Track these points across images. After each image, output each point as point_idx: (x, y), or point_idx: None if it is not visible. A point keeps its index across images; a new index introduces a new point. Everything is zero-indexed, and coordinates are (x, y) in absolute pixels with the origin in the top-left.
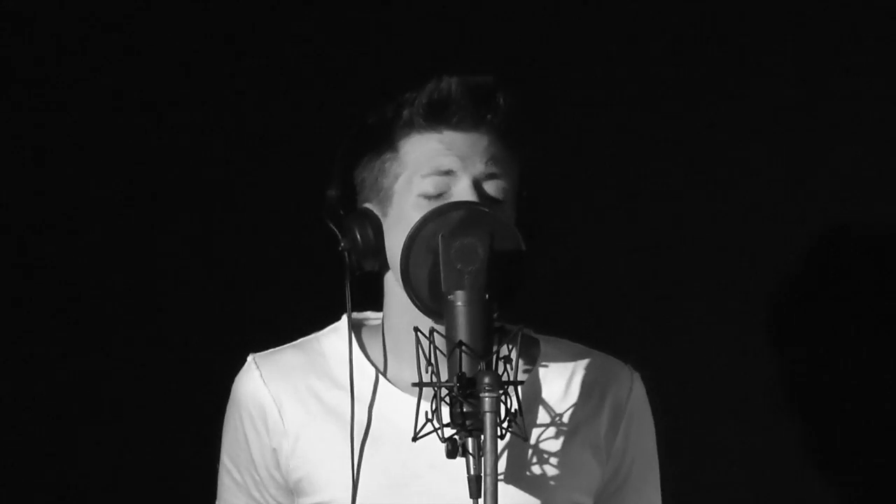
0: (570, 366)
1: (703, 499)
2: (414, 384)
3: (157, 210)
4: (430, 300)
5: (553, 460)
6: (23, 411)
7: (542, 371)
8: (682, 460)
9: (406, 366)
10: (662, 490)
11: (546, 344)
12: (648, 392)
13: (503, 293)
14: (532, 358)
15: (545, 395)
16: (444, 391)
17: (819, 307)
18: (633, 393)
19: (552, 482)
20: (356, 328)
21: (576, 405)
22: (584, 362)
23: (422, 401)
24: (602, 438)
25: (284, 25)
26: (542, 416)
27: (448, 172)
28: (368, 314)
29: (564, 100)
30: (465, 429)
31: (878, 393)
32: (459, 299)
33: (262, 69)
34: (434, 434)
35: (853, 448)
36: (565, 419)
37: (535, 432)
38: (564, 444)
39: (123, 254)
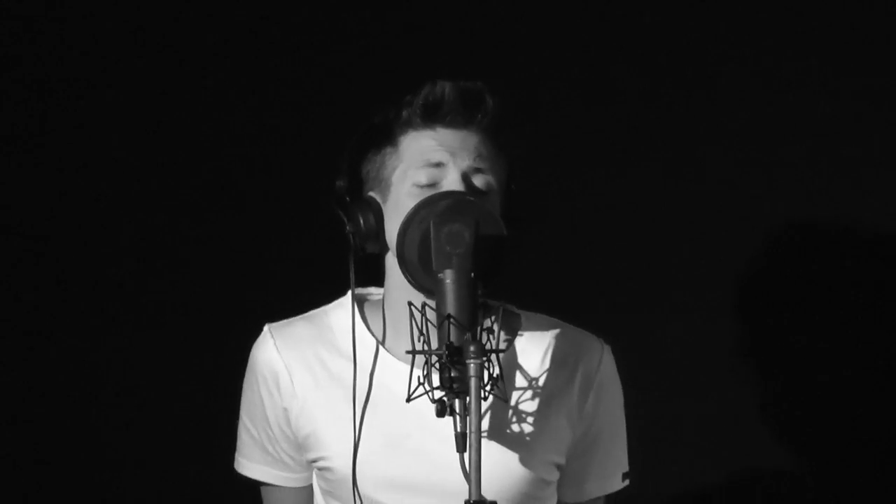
0: (546, 337)
1: (667, 459)
2: (407, 352)
3: (192, 203)
4: (422, 278)
5: (529, 421)
6: (56, 381)
7: (521, 342)
8: (648, 424)
9: (403, 337)
10: (629, 451)
11: (526, 318)
12: (618, 363)
13: (487, 273)
14: (513, 330)
15: (524, 363)
16: (434, 358)
17: (770, 290)
18: (603, 364)
19: (529, 440)
20: (360, 302)
21: (551, 373)
22: (559, 335)
23: (415, 367)
24: (574, 404)
25: (303, 33)
26: (521, 382)
27: (438, 165)
28: (371, 290)
29: (553, 102)
30: (452, 391)
31: (826, 363)
32: (448, 278)
33: (290, 73)
34: (425, 396)
35: (798, 412)
36: (541, 385)
37: (514, 396)
38: (540, 407)
39: (158, 240)
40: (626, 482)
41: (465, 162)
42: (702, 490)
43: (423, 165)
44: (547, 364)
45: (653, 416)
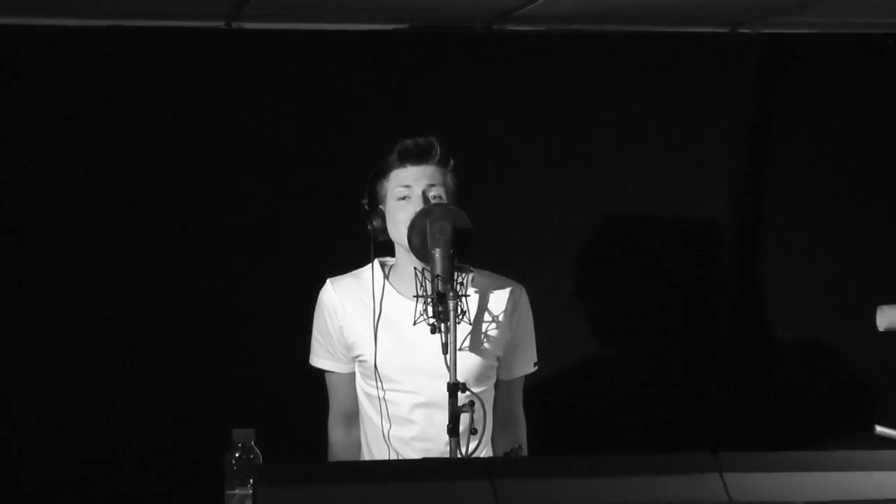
0: (491, 284)
1: (557, 355)
2: (414, 296)
3: (279, 205)
4: (421, 254)
5: (482, 333)
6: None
7: (476, 285)
8: (545, 335)
9: (404, 284)
10: (537, 349)
11: (479, 273)
12: (530, 298)
13: (459, 249)
14: (472, 281)
15: (479, 299)
16: (429, 299)
17: (603, 254)
18: (522, 299)
19: (482, 344)
20: (382, 265)
21: (493, 305)
22: (498, 282)
23: (418, 305)
24: (506, 322)
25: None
26: (479, 313)
27: (408, 186)
28: (388, 258)
29: (482, 142)
30: (439, 318)
31: (631, 298)
32: (437, 253)
33: (338, 129)
34: (424, 321)
35: (611, 323)
36: (488, 312)
37: (473, 319)
38: (487, 325)
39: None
40: (536, 367)
41: (424, 184)
42: (576, 366)
43: (399, 186)
44: (491, 300)
45: (545, 329)
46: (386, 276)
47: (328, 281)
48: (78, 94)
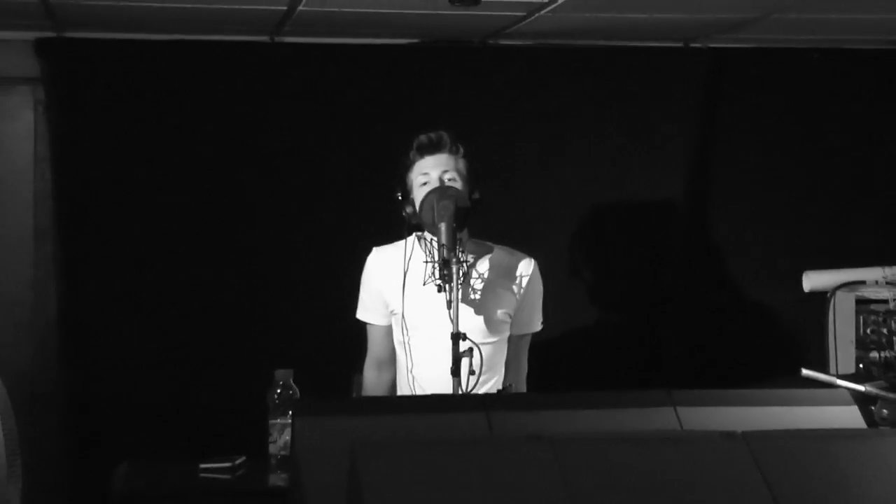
0: (506, 256)
1: (559, 317)
2: (424, 261)
3: (342, 208)
4: (430, 228)
5: (496, 295)
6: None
7: (494, 257)
8: (549, 299)
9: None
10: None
11: (498, 248)
12: (540, 269)
13: (460, 223)
14: (485, 252)
15: (496, 267)
16: (436, 263)
17: (590, 234)
18: (532, 269)
19: (495, 303)
20: (419, 238)
21: (506, 272)
22: (514, 255)
23: (426, 268)
24: (516, 287)
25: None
26: (493, 278)
27: (426, 174)
28: (425, 233)
29: (488, 139)
30: (444, 280)
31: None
32: (442, 226)
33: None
34: (433, 282)
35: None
36: (501, 279)
37: (489, 284)
38: (500, 289)
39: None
40: (542, 326)
41: (440, 170)
42: (572, 325)
43: (420, 174)
44: (504, 269)
45: (554, 296)
46: (418, 243)
47: (374, 249)
48: (146, 99)
